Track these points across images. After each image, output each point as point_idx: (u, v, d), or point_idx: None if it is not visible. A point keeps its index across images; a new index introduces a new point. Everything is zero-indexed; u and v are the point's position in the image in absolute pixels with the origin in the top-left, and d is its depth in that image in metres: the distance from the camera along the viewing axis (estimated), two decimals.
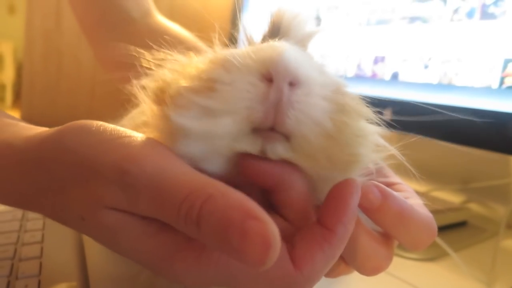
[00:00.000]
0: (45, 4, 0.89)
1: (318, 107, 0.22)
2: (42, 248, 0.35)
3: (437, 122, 0.46)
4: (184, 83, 0.22)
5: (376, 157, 0.25)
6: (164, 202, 0.18)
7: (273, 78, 0.21)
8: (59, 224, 0.42)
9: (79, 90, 0.90)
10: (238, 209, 0.17)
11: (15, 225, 0.39)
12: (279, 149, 0.21)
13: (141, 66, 0.25)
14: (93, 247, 0.39)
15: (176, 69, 0.24)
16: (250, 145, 0.21)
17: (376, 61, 0.57)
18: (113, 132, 0.21)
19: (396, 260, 0.43)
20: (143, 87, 0.25)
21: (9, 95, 3.13)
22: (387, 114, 0.27)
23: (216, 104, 0.21)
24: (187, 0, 0.89)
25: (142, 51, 0.26)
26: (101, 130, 0.21)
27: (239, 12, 0.66)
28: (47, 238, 0.37)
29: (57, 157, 0.21)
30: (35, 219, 0.41)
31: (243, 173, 0.21)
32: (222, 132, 0.21)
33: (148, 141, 0.21)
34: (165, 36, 0.26)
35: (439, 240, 0.40)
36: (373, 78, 0.57)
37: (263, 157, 0.21)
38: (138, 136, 0.21)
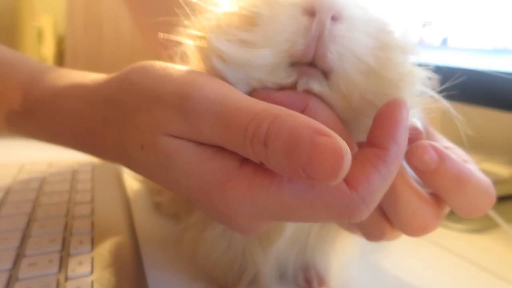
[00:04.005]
0: None
1: (361, 43, 0.21)
2: (92, 208, 0.36)
3: (487, 88, 0.44)
4: (225, 19, 0.22)
5: (419, 101, 0.23)
6: (229, 125, 0.18)
7: (315, 11, 0.20)
8: (106, 186, 0.44)
9: (119, 56, 0.92)
10: (306, 126, 0.17)
11: (66, 185, 0.41)
12: (314, 84, 0.21)
13: (180, 32, 0.25)
14: (140, 209, 0.40)
15: (217, 11, 0.24)
16: (284, 78, 0.21)
17: (424, 25, 0.54)
18: (176, 67, 0.22)
19: (442, 231, 0.42)
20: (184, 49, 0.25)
21: None
22: (435, 82, 0.25)
23: (256, 37, 0.21)
24: None
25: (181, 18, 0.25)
26: (164, 66, 0.22)
27: None
28: (96, 199, 0.38)
29: (124, 89, 0.22)
30: (84, 181, 0.43)
31: None
32: (260, 63, 0.21)
33: (207, 74, 0.22)
34: None
35: (490, 211, 0.38)
36: (420, 44, 0.54)
37: (278, 89, 0.21)
38: (199, 71, 0.22)
